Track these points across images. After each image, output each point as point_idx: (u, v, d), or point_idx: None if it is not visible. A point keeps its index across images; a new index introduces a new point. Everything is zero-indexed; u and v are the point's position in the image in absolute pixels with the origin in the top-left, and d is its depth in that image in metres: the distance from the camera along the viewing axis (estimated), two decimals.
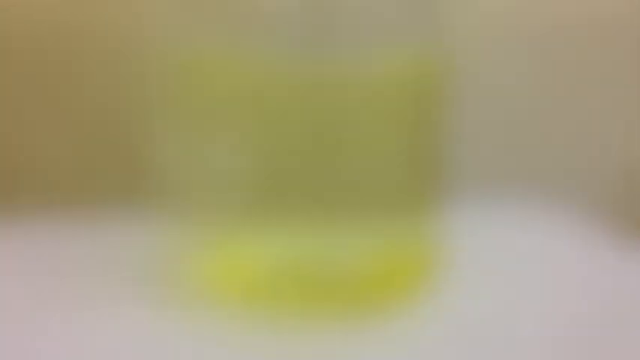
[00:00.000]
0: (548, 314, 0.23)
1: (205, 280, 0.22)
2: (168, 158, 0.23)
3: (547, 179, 0.40)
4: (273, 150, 0.20)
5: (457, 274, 0.25)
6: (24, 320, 0.22)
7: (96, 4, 0.33)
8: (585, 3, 0.38)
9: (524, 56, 0.39)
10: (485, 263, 0.27)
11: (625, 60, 0.39)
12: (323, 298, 0.21)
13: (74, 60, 0.33)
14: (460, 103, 0.39)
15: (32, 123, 0.34)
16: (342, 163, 0.20)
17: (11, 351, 0.20)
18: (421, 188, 0.22)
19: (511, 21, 0.38)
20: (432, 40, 0.22)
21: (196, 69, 0.21)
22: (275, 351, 0.20)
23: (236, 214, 0.21)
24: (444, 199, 0.24)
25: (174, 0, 0.21)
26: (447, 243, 0.24)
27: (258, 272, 0.21)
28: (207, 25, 0.20)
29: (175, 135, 0.22)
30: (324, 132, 0.20)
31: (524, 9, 0.38)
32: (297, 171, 0.20)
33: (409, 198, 0.22)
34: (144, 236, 0.26)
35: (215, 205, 0.21)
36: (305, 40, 0.19)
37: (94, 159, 0.35)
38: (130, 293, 0.23)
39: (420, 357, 0.20)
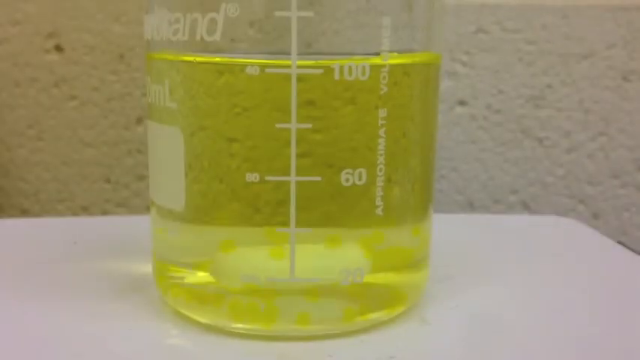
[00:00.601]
0: (550, 318, 0.23)
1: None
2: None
3: (547, 180, 0.40)
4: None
5: (455, 278, 0.25)
6: None
7: None
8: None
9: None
10: (482, 266, 0.27)
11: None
12: (315, 307, 0.20)
13: None
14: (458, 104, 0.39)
15: None
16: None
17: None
18: (414, 193, 0.22)
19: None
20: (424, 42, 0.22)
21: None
22: None
23: (219, 223, 0.21)
24: (438, 204, 0.24)
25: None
26: (438, 246, 0.24)
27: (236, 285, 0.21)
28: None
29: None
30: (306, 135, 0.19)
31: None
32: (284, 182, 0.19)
33: (403, 204, 0.21)
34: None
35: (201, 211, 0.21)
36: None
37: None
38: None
39: None
